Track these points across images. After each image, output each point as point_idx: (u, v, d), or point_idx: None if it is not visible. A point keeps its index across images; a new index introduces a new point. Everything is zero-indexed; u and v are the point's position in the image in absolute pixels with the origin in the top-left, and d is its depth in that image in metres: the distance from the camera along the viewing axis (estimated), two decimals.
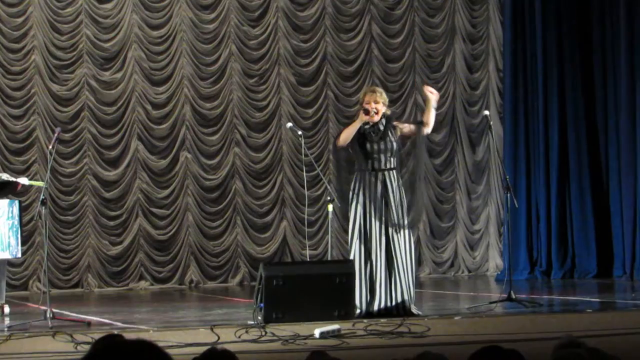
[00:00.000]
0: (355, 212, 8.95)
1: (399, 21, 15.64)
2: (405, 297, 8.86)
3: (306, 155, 11.30)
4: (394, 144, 9.01)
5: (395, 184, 8.98)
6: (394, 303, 8.85)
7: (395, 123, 9.19)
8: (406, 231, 8.97)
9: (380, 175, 8.97)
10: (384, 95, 9.17)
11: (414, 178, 9.39)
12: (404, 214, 8.97)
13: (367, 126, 9.02)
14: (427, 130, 9.21)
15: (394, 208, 8.91)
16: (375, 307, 8.83)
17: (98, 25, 14.51)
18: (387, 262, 8.88)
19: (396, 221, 8.90)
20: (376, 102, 8.99)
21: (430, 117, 9.11)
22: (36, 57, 14.27)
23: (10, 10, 14.20)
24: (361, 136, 9.00)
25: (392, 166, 9.01)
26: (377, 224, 8.89)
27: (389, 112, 9.15)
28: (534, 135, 14.67)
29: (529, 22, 14.74)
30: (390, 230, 8.89)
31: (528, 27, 14.76)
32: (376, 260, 8.86)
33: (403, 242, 8.91)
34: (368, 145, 8.98)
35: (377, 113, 8.99)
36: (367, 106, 8.97)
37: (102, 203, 14.48)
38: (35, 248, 14.11)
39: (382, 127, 9.02)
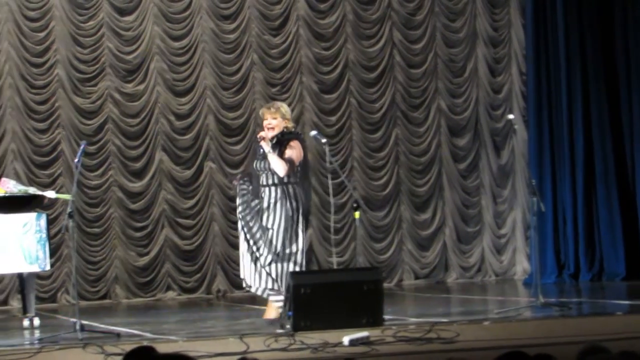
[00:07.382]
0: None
1: (420, 27, 15.61)
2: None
3: (330, 163, 11.29)
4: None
5: (272, 198, 9.39)
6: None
7: (292, 143, 9.47)
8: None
9: (262, 190, 9.45)
10: (282, 109, 9.53)
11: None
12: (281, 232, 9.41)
13: (256, 144, 9.49)
14: (280, 174, 9.44)
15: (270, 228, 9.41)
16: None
17: (120, 38, 14.56)
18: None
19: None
20: (273, 118, 9.46)
21: (273, 164, 9.37)
22: (59, 70, 14.32)
23: (33, 25, 14.26)
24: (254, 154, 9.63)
25: (273, 182, 9.40)
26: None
27: (290, 127, 9.54)
28: (559, 138, 14.60)
29: (551, 24, 14.68)
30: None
31: (550, 30, 14.70)
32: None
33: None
34: (255, 163, 9.53)
35: (272, 128, 9.43)
36: (263, 127, 9.49)
37: (128, 214, 14.51)
38: (62, 260, 14.15)
39: (267, 147, 9.29)
